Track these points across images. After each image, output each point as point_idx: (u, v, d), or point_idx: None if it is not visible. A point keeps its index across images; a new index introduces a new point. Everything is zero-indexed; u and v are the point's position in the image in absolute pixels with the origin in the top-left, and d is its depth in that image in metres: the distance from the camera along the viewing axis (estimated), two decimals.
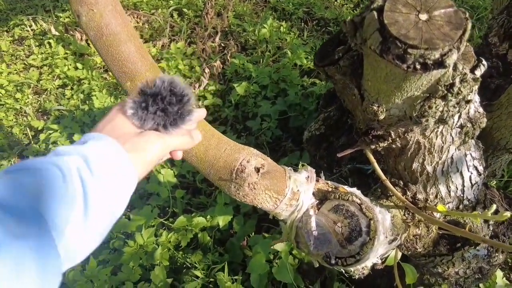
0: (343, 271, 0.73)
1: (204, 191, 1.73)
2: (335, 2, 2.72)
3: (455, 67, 0.65)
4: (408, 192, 0.94)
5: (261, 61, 2.22)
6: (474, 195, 0.96)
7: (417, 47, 0.56)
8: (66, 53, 2.32)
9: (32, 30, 2.53)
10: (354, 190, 0.76)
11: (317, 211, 0.71)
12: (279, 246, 1.27)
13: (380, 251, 0.73)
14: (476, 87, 0.72)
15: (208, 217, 1.53)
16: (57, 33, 2.40)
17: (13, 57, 2.40)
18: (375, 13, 0.59)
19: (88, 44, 2.28)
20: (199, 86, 2.11)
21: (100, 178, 0.46)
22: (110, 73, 2.16)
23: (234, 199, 0.73)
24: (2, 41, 2.45)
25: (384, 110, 0.73)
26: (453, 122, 0.80)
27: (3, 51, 2.40)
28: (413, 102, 0.70)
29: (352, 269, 0.73)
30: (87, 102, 2.05)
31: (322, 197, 0.73)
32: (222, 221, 1.51)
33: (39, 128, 1.99)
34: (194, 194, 1.73)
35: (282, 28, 2.44)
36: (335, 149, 1.29)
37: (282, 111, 1.94)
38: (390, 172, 1.00)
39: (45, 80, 2.22)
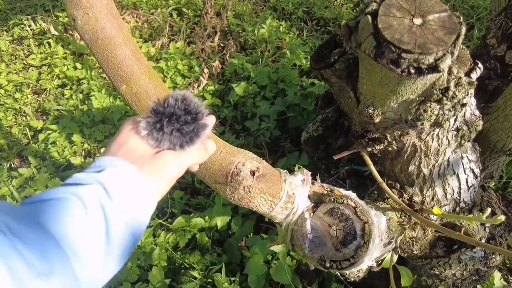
0: (339, 274, 0.73)
1: (203, 191, 1.73)
2: (335, 2, 2.71)
3: (450, 71, 0.65)
4: (404, 195, 0.94)
5: (260, 61, 2.22)
6: (471, 197, 0.96)
7: (411, 51, 0.56)
8: (65, 53, 2.32)
9: (31, 29, 2.53)
10: (350, 193, 0.76)
11: (312, 214, 0.71)
12: (277, 248, 1.28)
13: (375, 254, 0.73)
14: (472, 90, 0.72)
15: (207, 217, 1.53)
16: (56, 33, 2.40)
17: (12, 57, 2.40)
18: (369, 17, 0.59)
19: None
20: (198, 86, 2.11)
21: (120, 207, 0.46)
22: None
23: None
24: (1, 40, 2.46)
25: (380, 113, 0.73)
26: (449, 125, 0.80)
27: (3, 51, 2.41)
28: (408, 105, 0.70)
29: (347, 272, 0.73)
30: (86, 102, 2.06)
31: (317, 200, 0.73)
32: (220, 221, 1.51)
33: (38, 128, 2.00)
34: (193, 194, 1.74)
35: (281, 28, 2.44)
36: (333, 150, 1.29)
37: (281, 112, 1.94)
38: (387, 174, 1.00)
39: (44, 80, 2.22)
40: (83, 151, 1.88)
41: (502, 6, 1.19)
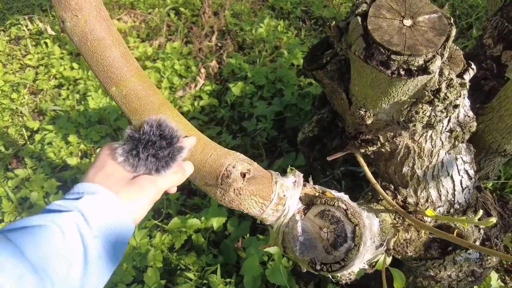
0: (330, 277, 0.73)
1: (199, 192, 1.72)
2: (334, 1, 2.70)
3: (441, 72, 0.64)
4: (398, 196, 0.93)
5: (258, 61, 2.21)
6: (465, 199, 0.95)
7: (400, 53, 0.56)
8: (62, 53, 2.32)
9: (28, 29, 2.52)
10: (342, 195, 0.75)
11: (303, 216, 0.71)
12: (272, 249, 1.27)
13: (367, 257, 0.73)
14: (465, 92, 0.72)
15: (203, 218, 1.53)
16: (53, 33, 2.40)
17: (9, 57, 2.40)
18: (359, 18, 0.59)
19: None
20: (195, 86, 2.10)
21: (99, 232, 0.48)
22: None
23: None
24: None
25: (372, 115, 0.72)
26: (442, 127, 0.79)
27: (0, 51, 2.40)
28: (400, 107, 0.69)
29: (338, 274, 0.73)
30: (82, 102, 2.05)
31: (309, 202, 0.73)
32: (216, 222, 1.51)
33: (35, 129, 1.99)
34: (189, 195, 1.73)
35: (279, 27, 2.43)
36: (328, 151, 1.29)
37: (278, 112, 1.93)
38: (381, 176, 1.00)
39: (41, 80, 2.22)
40: (79, 152, 1.88)
41: (498, 6, 1.18)
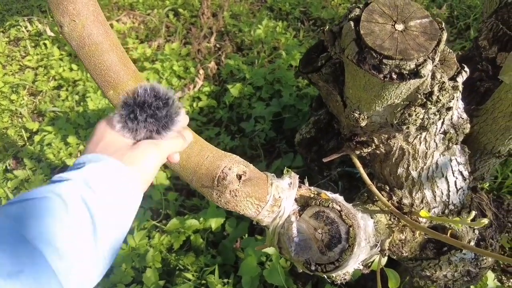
0: (325, 277, 0.74)
1: (197, 193, 1.73)
2: (332, 2, 2.71)
3: (433, 76, 0.65)
4: (394, 197, 0.94)
5: (256, 62, 2.22)
6: (460, 199, 0.96)
7: (392, 57, 0.56)
8: (62, 54, 2.33)
9: (27, 31, 2.53)
10: (337, 196, 0.76)
11: (298, 217, 0.72)
12: (270, 249, 1.28)
13: (362, 257, 0.74)
14: (457, 94, 0.73)
15: (201, 219, 1.54)
16: (52, 34, 2.41)
17: (8, 58, 2.41)
18: (352, 23, 0.60)
19: None
20: (194, 87, 2.11)
21: (105, 198, 0.45)
22: None
23: None
24: None
25: (366, 117, 0.73)
26: (436, 129, 0.80)
27: None
28: (393, 109, 0.70)
29: (333, 275, 0.74)
30: (81, 103, 2.06)
31: (304, 203, 0.74)
32: (214, 223, 1.52)
33: (34, 130, 2.00)
34: (188, 196, 1.74)
35: (278, 28, 2.44)
36: (325, 152, 1.30)
37: (276, 113, 1.94)
38: (376, 177, 1.01)
39: (40, 81, 2.23)
40: (78, 153, 1.89)
41: (493, 8, 1.19)
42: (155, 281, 1.37)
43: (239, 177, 0.70)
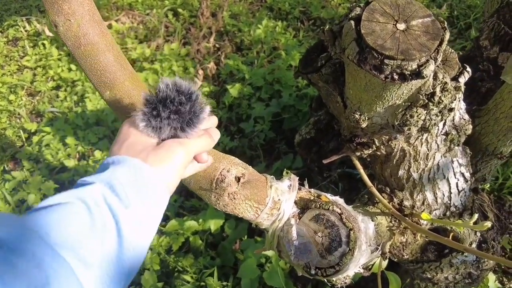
0: (326, 281, 0.72)
1: (196, 194, 1.72)
2: (332, 2, 2.70)
3: (435, 76, 0.64)
4: (394, 199, 0.93)
5: (256, 62, 2.21)
6: (461, 201, 0.95)
7: (393, 57, 0.55)
8: (60, 55, 2.32)
9: (26, 31, 2.52)
10: (337, 198, 0.75)
11: (298, 220, 0.70)
12: (269, 251, 1.27)
13: (362, 261, 0.72)
14: (459, 95, 0.71)
15: (200, 220, 1.53)
16: (51, 34, 2.39)
17: (7, 58, 2.39)
18: (352, 22, 0.59)
19: None
20: None
21: (130, 202, 0.44)
22: None
23: None
24: None
25: (366, 118, 0.72)
26: (438, 130, 0.79)
27: None
28: (394, 110, 0.69)
29: (333, 279, 0.72)
30: (80, 104, 2.05)
31: (304, 206, 0.73)
32: (213, 225, 1.50)
33: (33, 131, 1.99)
34: (187, 197, 1.73)
35: (277, 28, 2.43)
36: (325, 153, 1.29)
37: (276, 113, 1.93)
38: (377, 178, 0.99)
39: (39, 82, 2.22)
40: (77, 154, 1.88)
41: (495, 8, 1.18)
42: (153, 283, 1.35)
43: (238, 179, 0.69)
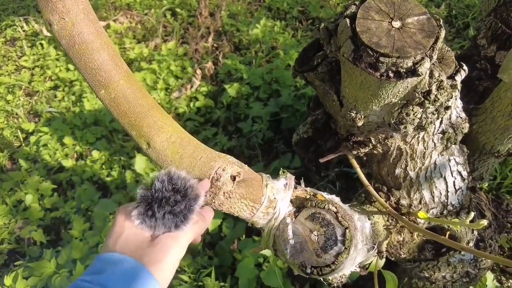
0: (322, 279, 0.72)
1: None
2: (330, 1, 2.70)
3: (431, 74, 0.64)
4: (391, 198, 0.93)
5: (254, 62, 2.21)
6: (459, 200, 0.95)
7: (388, 55, 0.55)
8: (58, 54, 2.31)
9: (24, 31, 2.52)
10: (333, 197, 0.75)
11: (294, 219, 0.70)
12: (267, 251, 1.27)
13: (358, 259, 0.72)
14: (456, 93, 0.71)
15: None
16: (49, 34, 2.39)
17: (4, 58, 2.39)
18: (347, 20, 0.59)
19: None
20: (191, 87, 2.10)
21: None
22: None
23: None
24: None
25: (362, 116, 0.72)
26: (434, 128, 0.79)
27: None
28: (390, 109, 0.69)
29: (329, 277, 0.72)
30: (78, 104, 2.04)
31: (299, 205, 0.72)
32: (211, 224, 1.50)
33: (30, 131, 1.99)
34: None
35: (276, 27, 2.43)
36: (323, 152, 1.28)
37: (274, 113, 1.93)
38: (374, 177, 0.99)
39: (36, 82, 2.21)
40: (75, 154, 1.87)
41: (492, 6, 1.18)
42: None
43: (233, 178, 0.69)
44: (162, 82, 2.09)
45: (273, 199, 0.71)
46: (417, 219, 0.90)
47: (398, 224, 0.90)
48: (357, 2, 0.61)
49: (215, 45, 2.41)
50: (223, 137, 1.86)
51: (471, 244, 0.99)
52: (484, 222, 0.62)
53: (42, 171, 1.79)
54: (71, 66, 2.22)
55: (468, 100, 1.16)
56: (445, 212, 0.95)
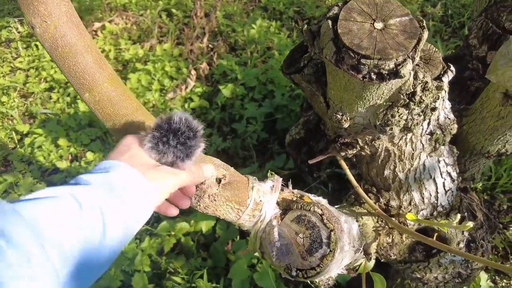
0: (309, 282, 0.72)
1: None
2: (326, 1, 2.70)
3: (416, 76, 0.63)
4: (381, 199, 0.93)
5: (249, 62, 2.20)
6: (448, 201, 0.95)
7: (370, 57, 0.55)
8: None
9: (19, 32, 2.51)
10: (320, 199, 0.75)
11: (280, 221, 0.70)
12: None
13: (345, 261, 0.72)
14: (442, 94, 0.71)
15: (192, 222, 1.52)
16: None
17: (0, 60, 2.39)
18: (329, 22, 0.58)
19: None
20: (186, 88, 2.09)
21: (121, 208, 0.47)
22: None
23: None
24: None
25: (348, 118, 0.72)
26: (422, 129, 0.79)
27: None
28: (376, 110, 0.69)
29: (316, 280, 0.72)
30: (72, 105, 2.04)
31: (286, 207, 0.72)
32: (205, 226, 1.50)
33: (25, 132, 1.98)
34: None
35: (272, 28, 2.43)
36: (315, 153, 1.28)
37: (268, 113, 1.93)
38: (364, 178, 0.99)
39: (31, 83, 2.21)
40: (69, 155, 1.87)
41: (483, 6, 1.17)
42: (144, 285, 1.35)
43: (219, 181, 0.68)
44: (157, 83, 2.08)
45: (259, 201, 0.70)
46: (407, 220, 0.89)
47: (387, 226, 0.90)
48: (340, 4, 0.61)
49: (210, 45, 2.41)
50: (218, 138, 1.86)
51: (461, 245, 0.99)
52: (470, 224, 0.62)
53: (37, 172, 1.79)
54: None
55: (460, 100, 1.16)
56: (435, 213, 0.95)
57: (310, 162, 0.91)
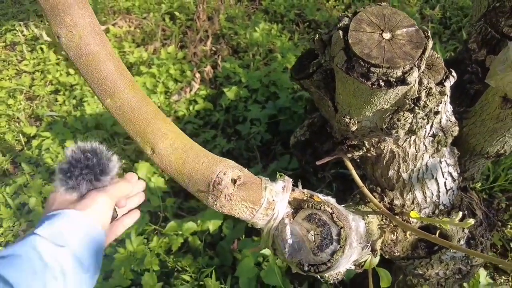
0: (318, 277, 0.76)
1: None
2: (327, 4, 2.74)
3: (420, 82, 0.67)
4: (385, 198, 0.97)
5: (252, 65, 2.24)
6: (450, 200, 0.99)
7: (379, 66, 0.59)
8: (58, 59, 2.34)
9: (24, 35, 2.54)
10: (329, 198, 0.79)
11: (292, 219, 0.74)
12: (265, 250, 1.30)
13: (353, 257, 0.76)
14: (445, 99, 0.75)
15: (199, 221, 1.56)
16: (49, 39, 2.42)
17: (5, 63, 2.42)
18: (340, 32, 0.62)
19: None
20: (190, 90, 2.13)
21: (70, 243, 0.55)
22: None
23: None
24: None
25: (356, 122, 0.76)
26: (425, 132, 0.83)
27: None
28: (382, 114, 0.72)
29: (326, 275, 0.76)
30: (79, 108, 2.08)
31: (297, 206, 0.76)
32: (212, 225, 1.54)
33: (32, 135, 2.02)
34: (186, 198, 1.76)
35: (273, 30, 2.47)
36: (320, 154, 1.32)
37: (272, 115, 1.97)
38: (368, 179, 1.03)
39: (37, 86, 2.24)
40: None
41: (482, 12, 1.22)
42: (153, 284, 1.38)
43: (234, 181, 0.72)
44: (161, 85, 2.12)
45: (272, 201, 0.74)
46: (410, 218, 0.93)
47: (391, 224, 0.94)
48: (349, 15, 0.65)
49: (213, 48, 2.45)
50: (222, 140, 1.90)
51: (462, 242, 1.03)
52: (471, 221, 0.66)
53: (45, 174, 1.82)
54: (71, 71, 2.25)
55: (459, 103, 1.20)
56: (437, 211, 0.99)
57: (318, 163, 0.95)
